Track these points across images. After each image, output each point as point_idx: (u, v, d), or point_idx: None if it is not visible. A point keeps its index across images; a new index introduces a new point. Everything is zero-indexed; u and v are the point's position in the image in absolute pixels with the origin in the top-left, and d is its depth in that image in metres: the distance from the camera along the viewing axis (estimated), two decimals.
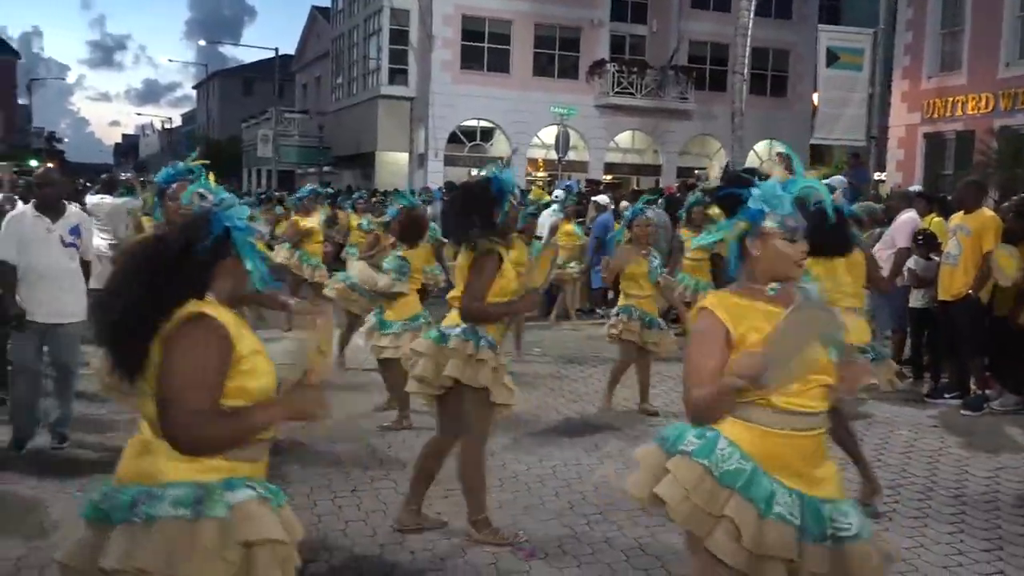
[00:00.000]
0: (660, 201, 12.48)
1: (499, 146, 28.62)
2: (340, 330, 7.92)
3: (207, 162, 4.15)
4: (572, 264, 10.97)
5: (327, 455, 5.51)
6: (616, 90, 28.40)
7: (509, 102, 27.50)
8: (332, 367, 2.49)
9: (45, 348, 5.63)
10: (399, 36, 28.59)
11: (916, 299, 8.04)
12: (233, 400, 2.23)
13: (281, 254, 9.81)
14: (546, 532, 4.43)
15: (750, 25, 17.80)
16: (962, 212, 7.36)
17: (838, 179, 10.64)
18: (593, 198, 12.91)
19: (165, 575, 2.07)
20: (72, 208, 5.78)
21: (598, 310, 11.86)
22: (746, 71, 18.19)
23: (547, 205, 11.72)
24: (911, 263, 7.96)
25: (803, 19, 29.99)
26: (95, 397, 6.10)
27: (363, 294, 7.39)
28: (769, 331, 2.41)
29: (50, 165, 9.25)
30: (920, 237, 7.95)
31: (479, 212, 4.11)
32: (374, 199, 16.44)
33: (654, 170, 30.06)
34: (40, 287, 5.39)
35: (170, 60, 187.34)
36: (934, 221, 8.39)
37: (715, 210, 10.04)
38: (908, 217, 8.42)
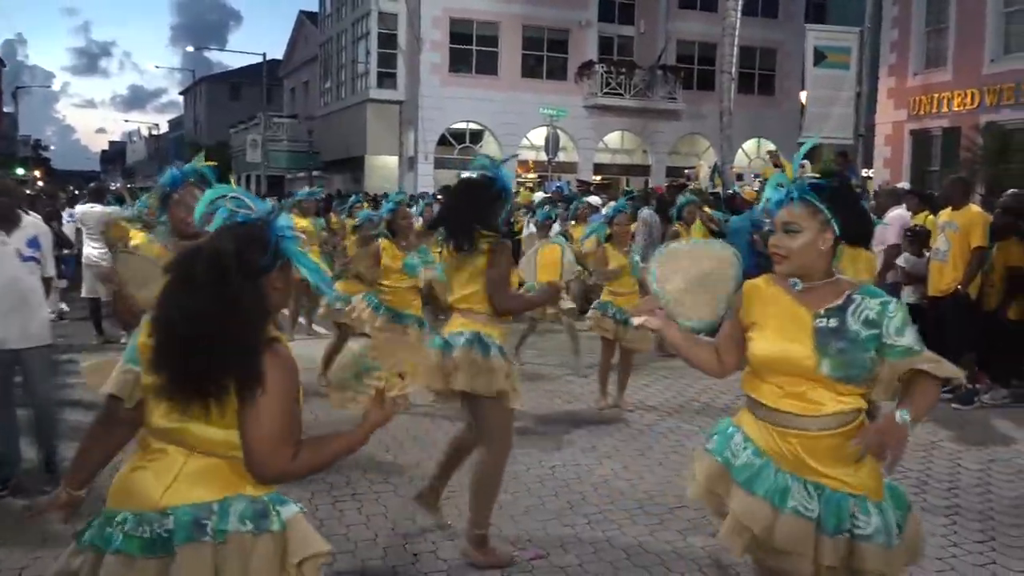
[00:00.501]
0: (652, 202, 12.58)
1: (489, 148, 28.66)
2: (330, 341, 7.95)
3: (215, 164, 3.91)
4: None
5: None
6: (605, 91, 28.52)
7: (498, 104, 27.57)
8: (414, 391, 2.40)
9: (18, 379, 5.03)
10: (387, 40, 28.62)
11: (907, 295, 8.12)
12: None
13: None
14: (547, 532, 4.47)
15: (737, 24, 17.92)
16: (950, 208, 7.45)
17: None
18: (585, 199, 12.97)
19: None
20: (29, 218, 5.07)
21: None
22: (734, 70, 18.30)
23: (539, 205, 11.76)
24: (901, 260, 8.04)
25: (789, 18, 30.18)
26: (92, 405, 6.10)
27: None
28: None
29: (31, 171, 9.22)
30: (910, 233, 8.04)
31: (483, 210, 4.06)
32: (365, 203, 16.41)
33: (643, 170, 30.18)
34: None
35: (157, 66, 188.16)
36: (928, 219, 8.48)
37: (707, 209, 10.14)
38: (897, 214, 8.51)
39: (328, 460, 2.22)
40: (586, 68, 28.60)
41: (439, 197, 14.39)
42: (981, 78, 18.81)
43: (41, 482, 4.93)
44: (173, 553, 2.04)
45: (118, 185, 18.04)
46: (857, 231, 5.38)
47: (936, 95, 19.98)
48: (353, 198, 15.55)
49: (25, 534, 4.22)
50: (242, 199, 2.32)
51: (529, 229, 10.75)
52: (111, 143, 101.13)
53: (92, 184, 13.11)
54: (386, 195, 19.22)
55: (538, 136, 26.07)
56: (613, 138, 30.23)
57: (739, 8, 18.04)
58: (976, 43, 18.83)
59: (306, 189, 11.97)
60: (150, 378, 2.15)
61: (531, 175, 27.77)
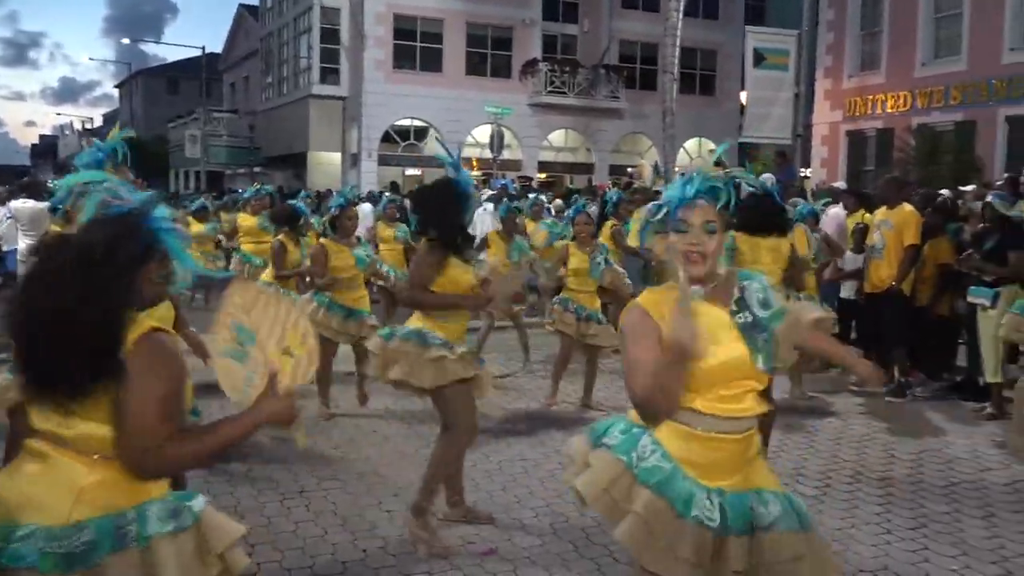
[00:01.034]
0: (595, 199, 12.69)
1: (432, 145, 28.61)
2: None
3: (132, 135, 3.76)
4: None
5: (273, 456, 5.50)
6: (549, 89, 28.69)
7: (442, 101, 27.53)
8: (306, 371, 2.22)
9: None
10: (330, 35, 28.35)
11: (847, 290, 8.38)
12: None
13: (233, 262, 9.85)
14: (495, 526, 4.51)
15: (679, 25, 18.19)
16: (885, 207, 7.68)
17: (766, 177, 10.96)
18: (539, 197, 13.03)
19: None
20: None
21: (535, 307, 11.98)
22: (676, 70, 18.57)
23: (510, 209, 11.72)
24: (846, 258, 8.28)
25: (729, 19, 30.71)
26: None
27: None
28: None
29: None
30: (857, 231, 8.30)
31: (444, 214, 4.27)
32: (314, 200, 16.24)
33: (587, 168, 30.45)
34: None
35: (91, 59, 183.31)
36: (865, 217, 8.70)
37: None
38: (834, 213, 8.74)
39: (210, 452, 2.13)
40: (530, 66, 28.74)
41: (399, 196, 14.25)
42: (913, 81, 19.40)
43: None
44: (94, 566, 1.98)
45: (52, 179, 17.53)
46: (768, 221, 5.52)
47: (870, 97, 20.55)
48: (303, 194, 15.37)
49: None
50: (118, 190, 2.27)
51: (486, 226, 10.66)
52: (42, 137, 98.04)
53: (25, 179, 12.77)
54: (329, 191, 19.07)
55: (482, 134, 26.11)
56: (557, 136, 30.41)
57: (680, 9, 18.33)
58: (908, 47, 19.42)
59: (254, 187, 11.80)
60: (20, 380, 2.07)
61: (475, 173, 27.79)
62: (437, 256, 4.25)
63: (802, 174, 19.62)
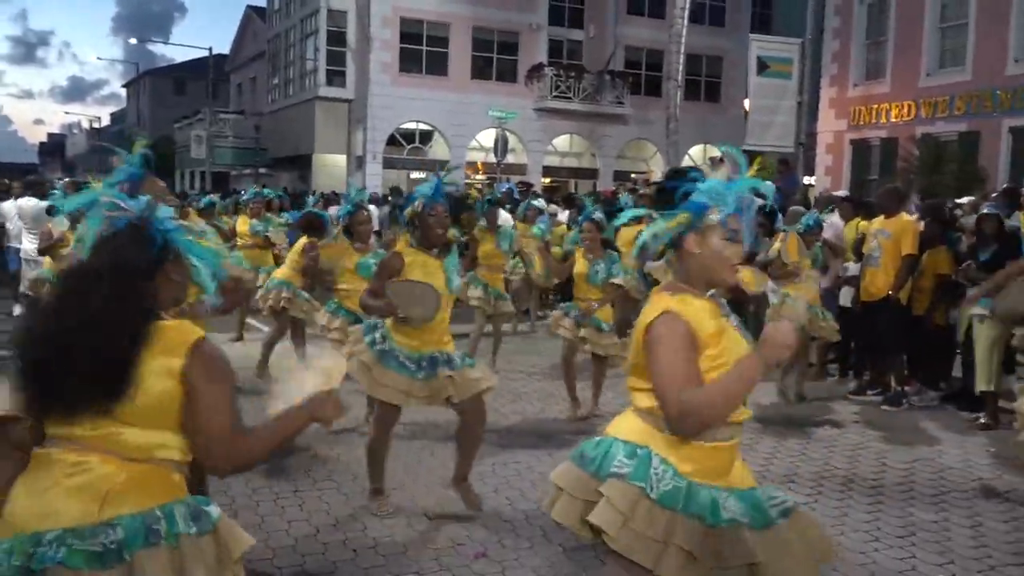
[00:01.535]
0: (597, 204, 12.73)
1: (438, 149, 28.68)
2: (268, 334, 7.98)
3: (151, 143, 3.88)
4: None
5: (271, 456, 5.52)
6: (554, 94, 28.73)
7: (448, 105, 27.60)
8: (340, 376, 2.41)
9: None
10: (337, 37, 28.41)
11: (845, 299, 8.40)
12: None
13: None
14: (486, 528, 4.55)
15: (684, 32, 18.24)
16: (883, 216, 7.70)
17: (767, 185, 10.99)
18: (533, 201, 13.06)
19: None
20: None
21: (539, 312, 12.04)
22: (680, 77, 18.62)
23: (490, 202, 11.76)
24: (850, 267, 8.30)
25: (736, 27, 30.72)
26: None
27: (302, 298, 7.42)
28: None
29: None
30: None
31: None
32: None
33: (591, 173, 30.48)
34: None
35: (99, 58, 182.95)
36: (860, 225, 8.74)
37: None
38: (831, 221, 8.76)
39: (276, 445, 2.27)
40: (536, 71, 28.79)
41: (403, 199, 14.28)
42: (917, 90, 19.40)
43: None
44: (124, 562, 2.01)
45: (63, 179, 17.54)
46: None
47: (875, 106, 20.55)
48: (311, 198, 15.33)
49: None
50: (115, 202, 2.31)
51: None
52: (50, 135, 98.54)
53: (30, 177, 12.83)
54: (334, 193, 19.11)
55: (487, 137, 26.17)
56: (562, 141, 30.45)
57: (686, 16, 18.38)
58: (913, 56, 19.43)
59: (252, 189, 11.81)
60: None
61: (480, 176, 27.86)
62: (385, 263, 4.65)
63: (805, 182, 19.64)
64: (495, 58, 29.15)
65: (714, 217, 2.40)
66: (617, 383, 7.95)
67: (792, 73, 20.55)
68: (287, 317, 7.45)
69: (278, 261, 9.51)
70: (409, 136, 28.60)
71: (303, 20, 30.31)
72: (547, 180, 29.16)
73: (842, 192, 12.43)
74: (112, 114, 77.22)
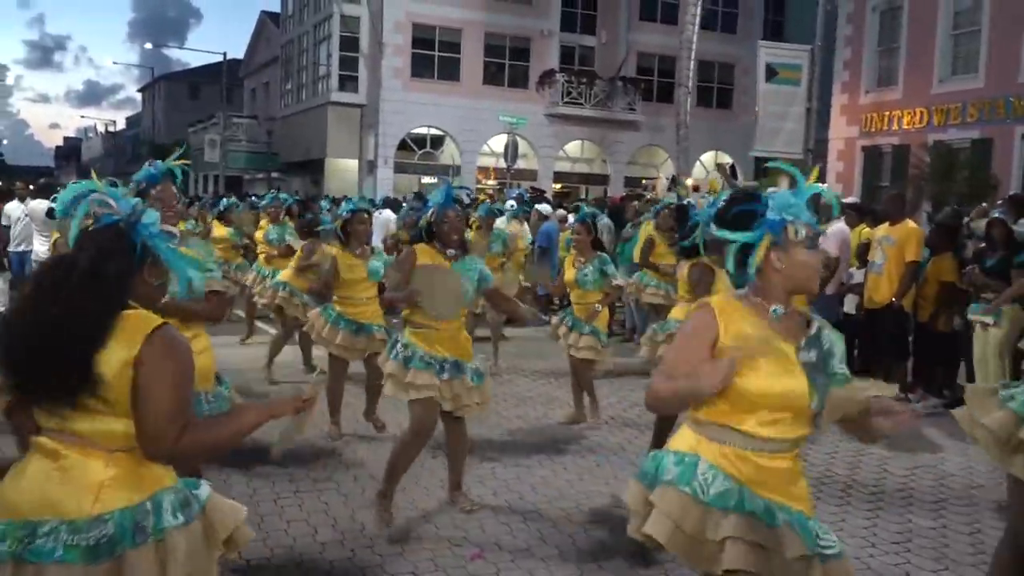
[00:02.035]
0: (604, 210, 12.80)
1: (449, 154, 28.77)
2: (275, 336, 8.06)
3: (188, 163, 4.07)
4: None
5: (269, 457, 5.57)
6: (565, 100, 28.78)
7: (459, 110, 27.70)
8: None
9: None
10: (349, 43, 28.58)
11: (850, 305, 8.38)
12: None
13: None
14: (483, 530, 4.57)
15: (695, 39, 18.27)
16: (887, 223, 7.70)
17: (828, 191, 10.98)
18: (536, 206, 13.13)
19: None
20: None
21: (542, 316, 12.06)
22: (691, 84, 18.63)
23: (499, 211, 11.86)
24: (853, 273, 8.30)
25: (747, 34, 30.70)
26: None
27: (300, 298, 7.47)
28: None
29: None
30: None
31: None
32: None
33: (602, 179, 30.50)
34: None
35: (114, 63, 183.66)
36: (864, 232, 8.73)
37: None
38: (838, 228, 8.73)
39: (224, 439, 2.30)
40: (547, 77, 28.84)
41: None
42: (929, 98, 19.33)
43: None
44: (116, 556, 2.09)
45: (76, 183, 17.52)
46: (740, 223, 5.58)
47: (887, 113, 20.49)
48: (324, 203, 15.36)
49: None
50: (106, 200, 2.36)
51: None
52: (66, 139, 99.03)
53: (42, 180, 12.94)
54: (346, 198, 19.18)
55: (499, 143, 26.22)
56: (573, 147, 30.49)
57: (696, 23, 18.40)
58: (926, 63, 19.36)
59: (271, 193, 11.76)
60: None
61: (491, 182, 27.92)
62: (402, 261, 4.66)
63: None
64: (507, 64, 29.22)
65: (792, 230, 2.45)
66: (620, 387, 7.98)
67: (801, 80, 20.54)
68: (291, 317, 7.53)
69: None
70: (420, 141, 28.70)
71: (316, 26, 30.50)
72: (558, 186, 29.20)
73: (850, 199, 12.40)
74: (128, 118, 77.69)
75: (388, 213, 13.58)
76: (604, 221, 11.45)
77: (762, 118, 20.78)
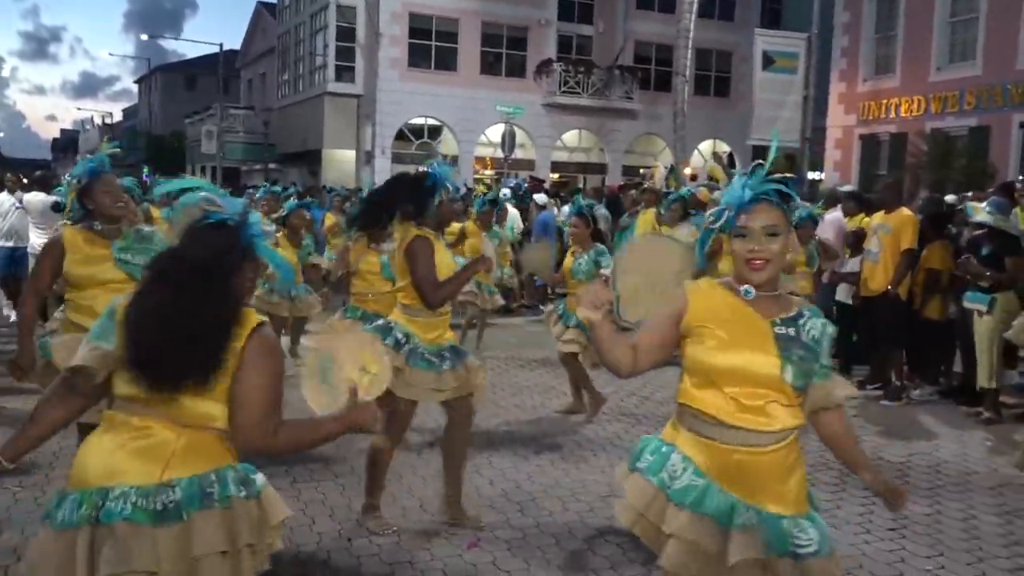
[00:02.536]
0: (603, 200, 12.80)
1: (446, 144, 28.73)
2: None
3: (118, 150, 4.07)
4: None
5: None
6: (563, 89, 28.73)
7: (456, 100, 27.64)
8: (382, 384, 2.55)
9: None
10: (346, 33, 28.51)
11: (842, 293, 8.39)
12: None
13: None
14: (479, 517, 4.58)
15: (692, 28, 18.23)
16: (883, 211, 7.70)
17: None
18: (533, 196, 13.13)
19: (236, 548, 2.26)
20: None
21: (541, 306, 12.08)
22: (688, 72, 18.60)
23: (493, 201, 11.86)
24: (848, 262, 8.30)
25: (745, 22, 30.63)
26: (9, 390, 6.01)
27: (284, 298, 7.45)
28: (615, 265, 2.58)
29: None
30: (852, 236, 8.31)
31: (412, 200, 4.32)
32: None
33: (600, 168, 30.47)
34: None
35: (110, 54, 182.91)
36: (863, 221, 8.72)
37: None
38: (834, 216, 8.76)
39: (306, 442, 2.47)
40: (545, 66, 28.78)
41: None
42: (927, 85, 19.33)
43: None
44: (183, 520, 2.21)
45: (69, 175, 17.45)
46: None
47: (884, 101, 20.49)
48: (332, 192, 15.33)
49: None
50: (212, 197, 2.50)
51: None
52: (63, 131, 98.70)
53: (38, 172, 12.88)
54: (359, 188, 19.12)
55: (496, 133, 26.19)
56: (571, 136, 30.46)
57: (694, 11, 18.36)
58: (923, 51, 19.35)
59: (264, 186, 11.79)
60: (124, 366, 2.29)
61: (489, 172, 27.89)
62: (427, 245, 4.24)
63: (814, 177, 19.58)
64: (504, 53, 29.16)
65: (726, 219, 2.49)
66: (615, 377, 7.99)
67: (798, 68, 20.50)
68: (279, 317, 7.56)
69: None
70: (418, 131, 28.65)
71: (312, 16, 30.41)
72: (556, 175, 29.17)
73: (848, 187, 12.40)
74: (124, 110, 77.56)
75: None
76: (601, 211, 11.48)
77: (759, 107, 20.75)
